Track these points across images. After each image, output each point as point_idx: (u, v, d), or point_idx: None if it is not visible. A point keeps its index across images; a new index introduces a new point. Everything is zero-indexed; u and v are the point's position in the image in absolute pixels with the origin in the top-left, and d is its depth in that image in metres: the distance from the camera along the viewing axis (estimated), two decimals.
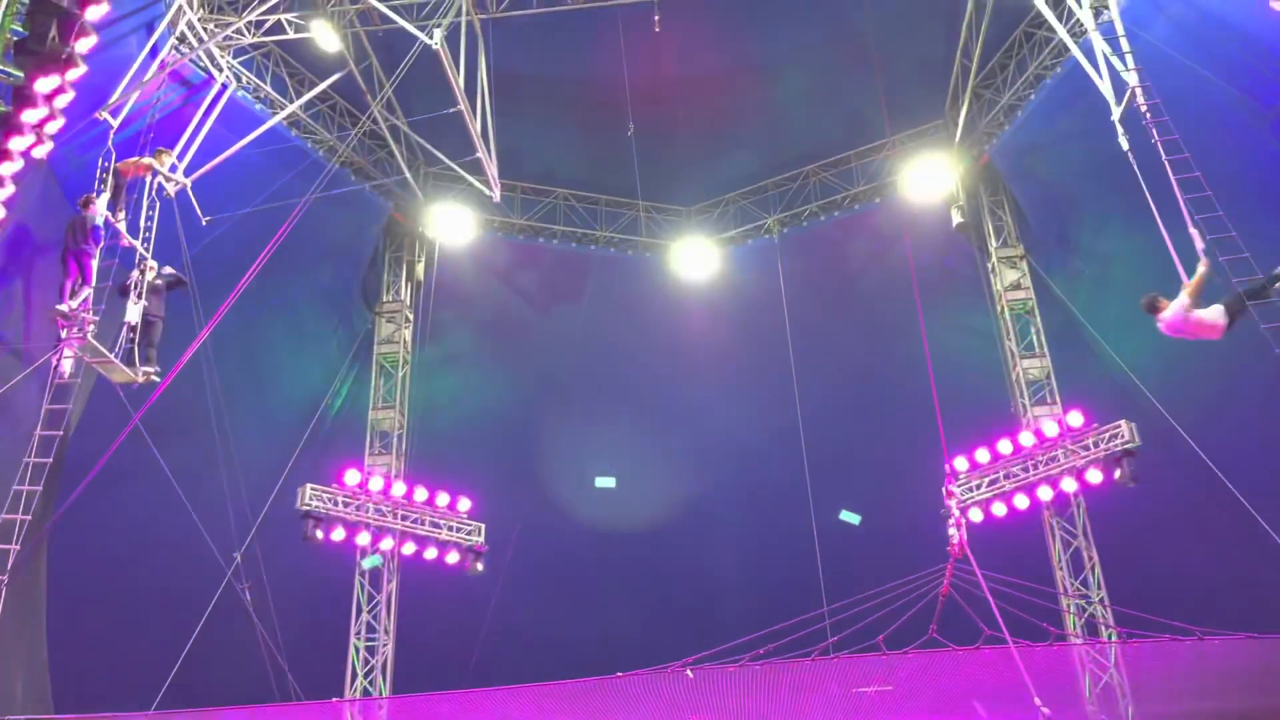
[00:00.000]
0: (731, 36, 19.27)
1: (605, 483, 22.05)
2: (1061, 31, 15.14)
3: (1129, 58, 13.20)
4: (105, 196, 13.06)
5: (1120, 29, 13.69)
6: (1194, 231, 10.95)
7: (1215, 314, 10.36)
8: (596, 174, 21.77)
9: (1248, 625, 14.44)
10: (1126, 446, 16.41)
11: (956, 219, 19.73)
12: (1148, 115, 12.13)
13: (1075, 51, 14.59)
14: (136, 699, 15.68)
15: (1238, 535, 16.44)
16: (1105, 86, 13.48)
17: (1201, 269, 10.43)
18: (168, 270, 14.01)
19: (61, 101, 12.33)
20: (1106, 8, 14.35)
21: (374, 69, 18.32)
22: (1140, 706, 15.61)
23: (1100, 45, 13.65)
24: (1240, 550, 16.95)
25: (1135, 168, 11.99)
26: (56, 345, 12.53)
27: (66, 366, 12.63)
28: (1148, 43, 14.64)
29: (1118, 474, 16.56)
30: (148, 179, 14.07)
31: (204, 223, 15.26)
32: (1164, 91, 12.83)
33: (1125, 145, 12.55)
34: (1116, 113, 13.10)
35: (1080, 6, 14.65)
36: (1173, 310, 10.32)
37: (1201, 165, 12.18)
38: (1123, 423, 16.52)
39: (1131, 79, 12.90)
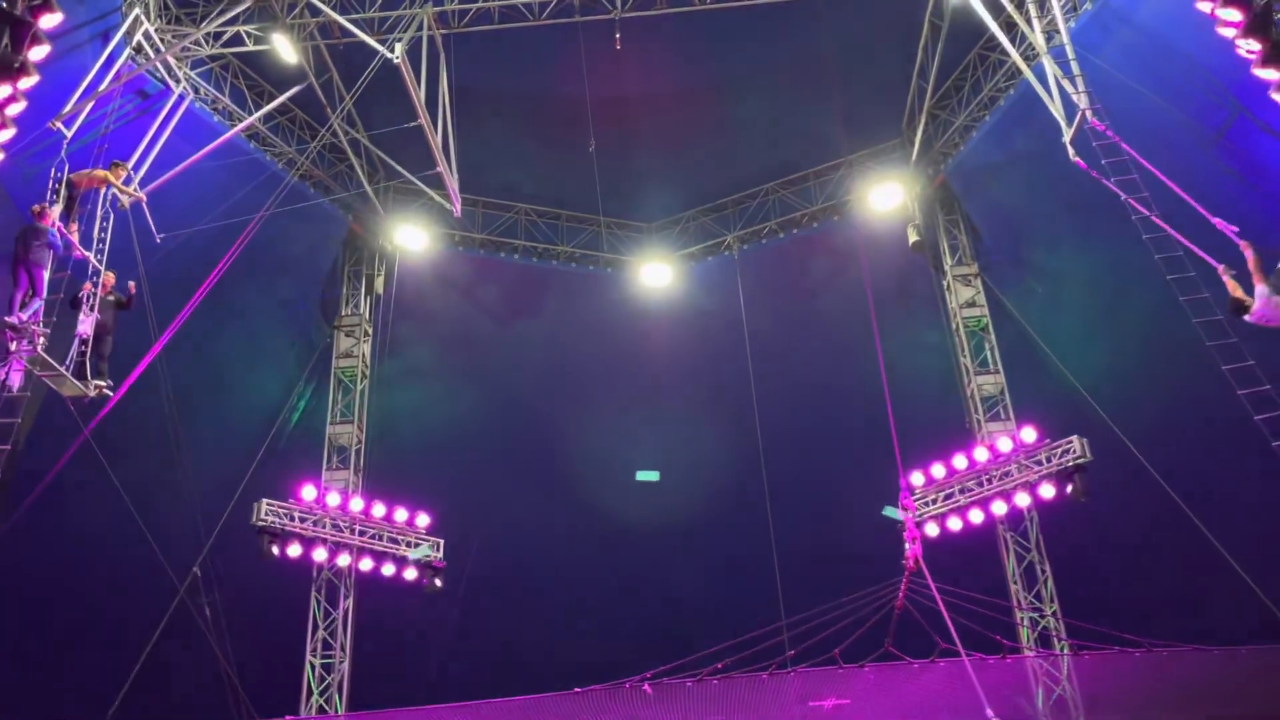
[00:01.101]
0: (692, 55, 19.42)
1: (648, 476, 22.06)
2: (1015, 54, 15.44)
3: (1080, 80, 13.52)
4: (58, 207, 12.85)
5: (1071, 53, 14.01)
6: (1218, 222, 10.79)
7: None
8: (557, 190, 21.83)
9: (1196, 638, 14.73)
10: (1078, 461, 16.69)
11: (913, 237, 20.04)
12: (1091, 139, 12.41)
13: (1028, 74, 14.87)
14: (85, 718, 15.39)
15: (1186, 549, 16.74)
16: (1056, 109, 13.77)
17: (1249, 254, 10.32)
18: (129, 284, 13.77)
19: (13, 110, 12.15)
20: (1058, 32, 14.67)
21: (334, 82, 18.25)
22: (1092, 718, 15.82)
23: (1052, 68, 13.95)
24: (1189, 564, 17.27)
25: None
26: (6, 358, 12.30)
27: (15, 380, 12.40)
28: (1098, 66, 14.97)
29: (1070, 488, 16.84)
30: (102, 191, 13.88)
31: (158, 239, 15.08)
32: (1113, 114, 13.17)
33: (1072, 154, 12.82)
34: (1068, 135, 13.39)
35: (1033, 30, 14.97)
36: (1259, 300, 10.11)
37: (1149, 186, 12.49)
38: (1074, 438, 16.81)
39: (1082, 102, 13.20)
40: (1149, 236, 12.54)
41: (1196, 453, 17.59)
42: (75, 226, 13.21)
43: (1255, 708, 13.97)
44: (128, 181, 14.36)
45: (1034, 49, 14.97)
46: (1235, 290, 10.28)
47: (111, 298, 13.42)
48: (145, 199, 14.76)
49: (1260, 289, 10.13)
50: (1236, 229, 10.74)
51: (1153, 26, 15.20)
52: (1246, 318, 10.36)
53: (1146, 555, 18.97)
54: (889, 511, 18.81)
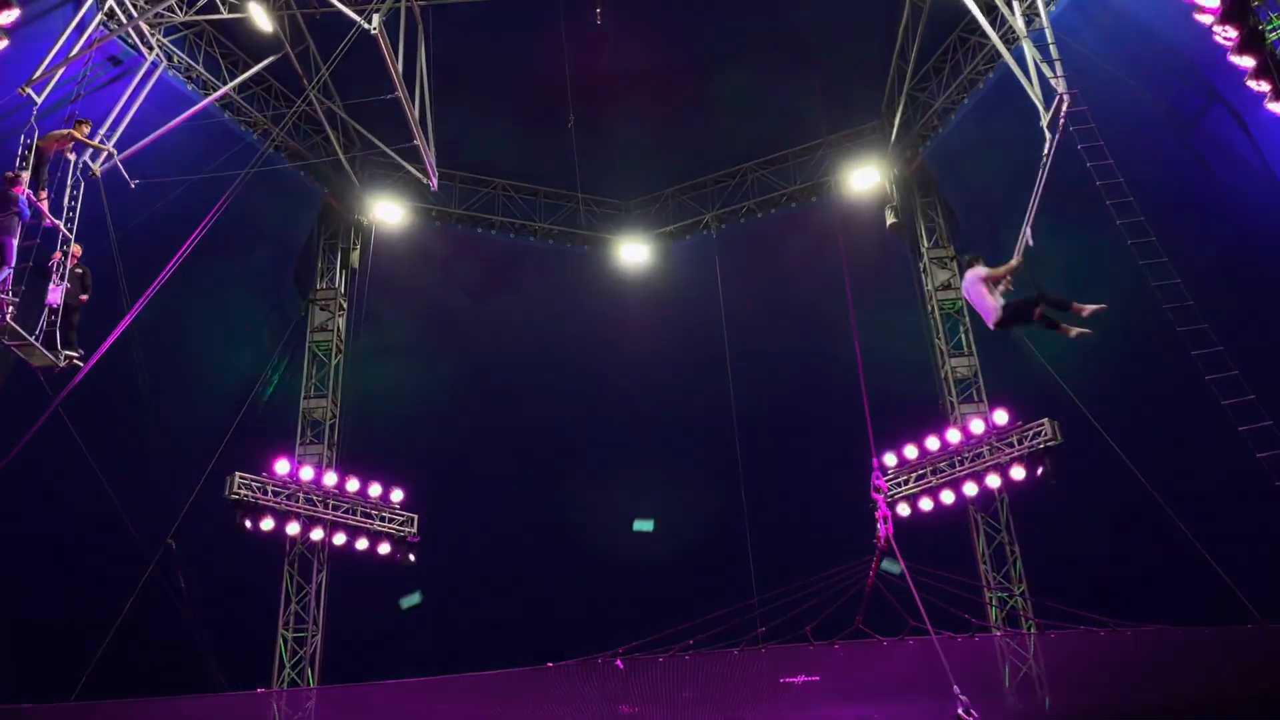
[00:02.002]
0: (672, 32, 19.33)
1: (643, 526, 22.19)
2: (994, 38, 15.45)
3: (1058, 65, 13.56)
4: (28, 174, 12.68)
5: (1051, 37, 14.04)
6: (1027, 230, 11.78)
7: (995, 301, 11.13)
8: (536, 165, 21.72)
9: (1162, 619, 14.98)
10: (1049, 444, 16.90)
11: (890, 219, 20.13)
12: (1067, 123, 12.50)
13: (1007, 57, 14.89)
14: (57, 689, 15.32)
15: (1154, 532, 16.98)
16: (1035, 93, 13.81)
17: (1014, 262, 11.50)
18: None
19: None
20: (1038, 15, 14.69)
21: (310, 52, 18.01)
22: (1057, 696, 16.07)
23: (1031, 52, 13.98)
24: (1156, 546, 17.52)
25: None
26: None
27: None
28: (1077, 51, 15.02)
29: (1040, 470, 17.03)
30: (71, 157, 13.68)
31: (133, 185, 14.88)
32: (1090, 98, 13.20)
33: (1049, 138, 12.92)
34: (1045, 119, 13.44)
35: (1013, 14, 14.99)
36: (972, 273, 11.19)
37: (1124, 171, 12.57)
38: (1045, 421, 17.00)
39: (1060, 86, 13.24)
40: (1123, 221, 12.63)
41: (1165, 437, 17.80)
42: (44, 194, 13.04)
43: (1216, 686, 14.25)
44: (92, 137, 14.17)
45: (1014, 32, 15.00)
46: (1003, 270, 11.32)
47: (80, 270, 13.27)
48: (116, 153, 14.58)
49: (982, 273, 11.25)
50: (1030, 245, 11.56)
51: (1131, 12, 15.27)
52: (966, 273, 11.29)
53: (1115, 537, 19.22)
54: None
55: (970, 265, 11.47)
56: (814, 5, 18.08)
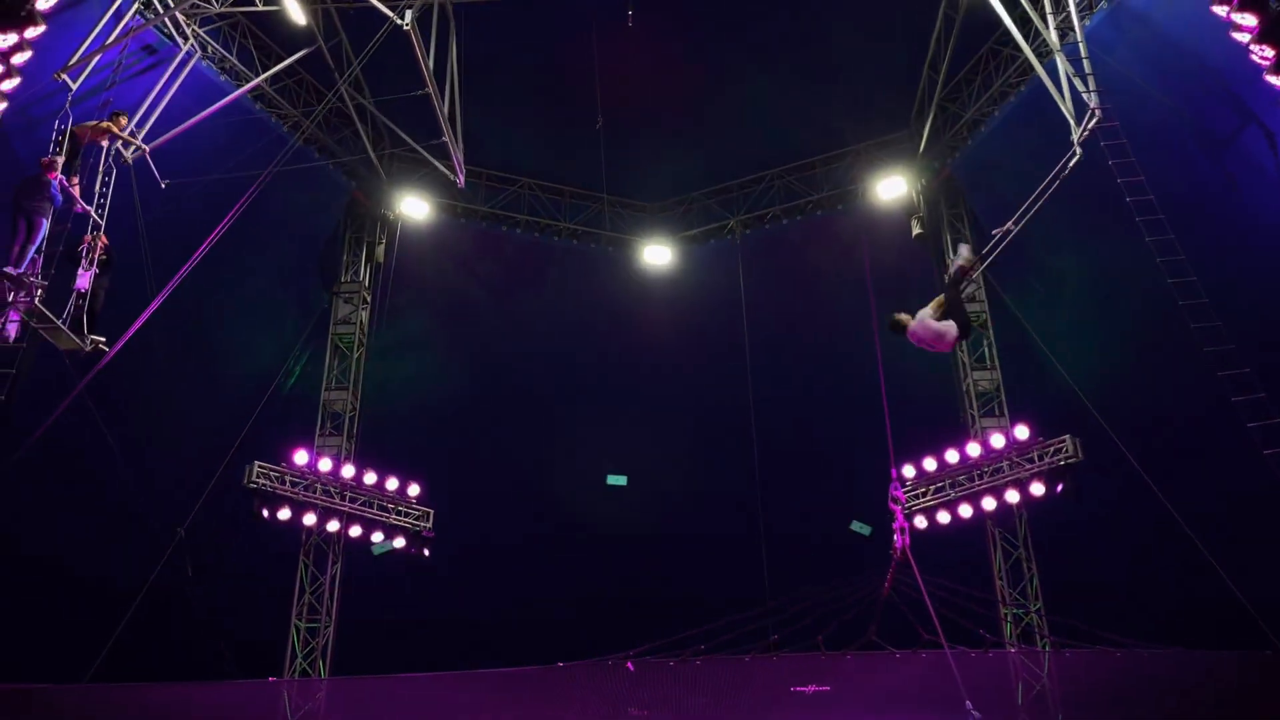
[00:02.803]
0: (703, 35, 19.32)
1: (617, 480, 22.14)
2: (1027, 50, 15.35)
3: (1091, 79, 13.47)
4: (62, 159, 12.81)
5: (1084, 51, 13.96)
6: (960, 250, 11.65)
7: (945, 324, 10.73)
8: (562, 165, 21.75)
9: (1179, 641, 14.83)
10: (1070, 461, 16.75)
11: (916, 229, 20.02)
12: (1098, 137, 12.41)
13: (1040, 71, 14.80)
14: (70, 672, 15.44)
15: (1175, 553, 16.80)
16: (1067, 107, 13.72)
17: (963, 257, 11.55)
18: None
19: (19, 59, 12.11)
20: (1072, 29, 14.60)
21: (343, 46, 18.11)
22: (1071, 716, 15.93)
23: (1064, 66, 13.90)
24: (1177, 568, 17.34)
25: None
26: (2, 309, 12.27)
27: (12, 331, 12.38)
28: (1110, 66, 14.92)
29: (1060, 488, 16.89)
30: (104, 144, 13.82)
31: (163, 186, 15.01)
32: (1123, 114, 13.12)
33: (1079, 154, 12.85)
34: (1076, 134, 13.35)
35: (1047, 27, 14.90)
36: (918, 320, 10.73)
37: (1154, 188, 12.47)
38: (1067, 438, 16.85)
39: (1092, 101, 13.15)
40: (1152, 239, 12.52)
41: (1189, 457, 17.64)
42: (77, 180, 13.17)
43: (1234, 713, 14.08)
44: (130, 134, 14.32)
45: (1047, 45, 14.90)
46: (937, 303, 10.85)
47: (105, 256, 13.40)
48: (147, 150, 14.70)
49: (926, 313, 10.68)
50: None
51: (1167, 28, 15.13)
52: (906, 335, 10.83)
53: (1134, 557, 19.04)
54: (857, 526, 19.02)
55: (899, 325, 10.91)
56: (845, 13, 18.03)
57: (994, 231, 11.70)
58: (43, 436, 13.39)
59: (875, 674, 14.42)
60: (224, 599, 18.24)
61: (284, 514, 17.69)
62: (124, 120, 13.90)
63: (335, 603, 18.19)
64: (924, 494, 18.01)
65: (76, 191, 13.13)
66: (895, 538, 12.61)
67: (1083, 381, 18.14)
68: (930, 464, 18.07)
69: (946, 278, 11.50)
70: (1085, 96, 13.32)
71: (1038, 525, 17.91)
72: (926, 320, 10.59)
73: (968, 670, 13.04)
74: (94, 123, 13.49)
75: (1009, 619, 17.26)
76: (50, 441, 14.00)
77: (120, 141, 14.33)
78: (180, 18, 16.02)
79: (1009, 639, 16.86)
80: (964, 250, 11.73)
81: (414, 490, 18.97)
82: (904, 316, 10.74)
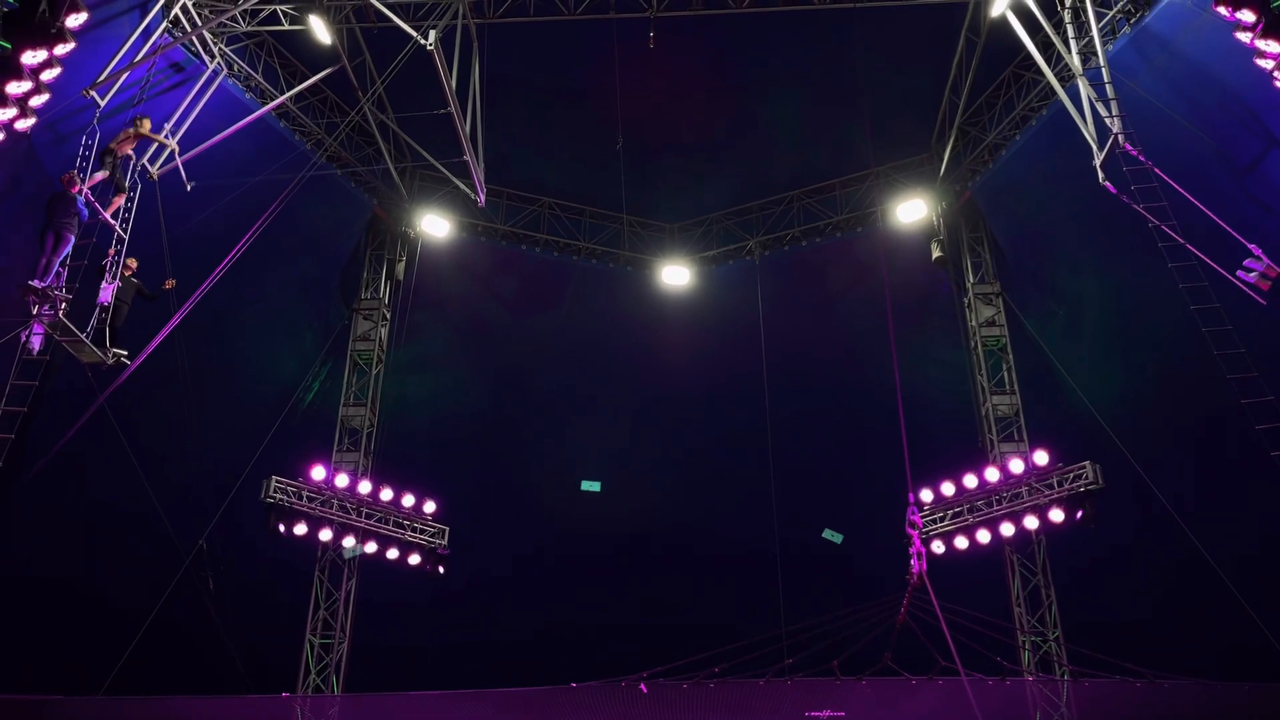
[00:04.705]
0: (724, 58, 19.39)
1: (590, 486, 22.11)
2: (1049, 75, 15.35)
3: (1114, 104, 13.44)
4: (101, 174, 12.93)
5: (1107, 76, 13.93)
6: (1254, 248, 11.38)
7: None
8: (582, 185, 21.83)
9: (1201, 672, 14.63)
10: (1090, 487, 16.59)
11: (936, 253, 19.96)
12: (1122, 164, 12.36)
13: (1062, 96, 14.79)
14: (86, 684, 15.49)
15: (1195, 582, 16.61)
16: (1089, 131, 13.69)
17: None
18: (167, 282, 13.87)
19: (49, 75, 12.27)
20: (1095, 54, 14.58)
21: (367, 65, 18.30)
22: None
23: (1087, 91, 13.87)
24: (1197, 597, 17.14)
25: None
26: (27, 321, 12.39)
27: (36, 343, 12.49)
28: (1132, 91, 14.88)
29: (1080, 514, 16.73)
30: (130, 154, 13.94)
31: (188, 188, 15.09)
32: (1145, 139, 13.08)
33: (1101, 178, 12.78)
34: (1099, 158, 13.31)
35: (1070, 52, 14.89)
36: None
37: (1177, 214, 12.41)
38: (1087, 464, 16.70)
39: (1115, 126, 13.12)
40: (1175, 265, 12.45)
41: (1211, 485, 17.46)
42: (120, 199, 13.25)
43: None
44: (155, 131, 14.38)
45: (1069, 70, 14.89)
46: None
47: (135, 280, 13.51)
48: (178, 149, 14.77)
49: None
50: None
51: (1190, 54, 15.07)
52: None
53: (1154, 585, 18.82)
54: (828, 534, 18.89)
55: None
56: (867, 36, 18.06)
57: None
58: (64, 448, 13.51)
59: (891, 700, 14.27)
60: (239, 613, 18.24)
61: (300, 529, 17.73)
62: (147, 123, 13.94)
63: (350, 619, 18.18)
64: (941, 519, 17.87)
65: (118, 204, 13.25)
66: (912, 562, 12.47)
67: (1103, 407, 18.01)
68: (948, 488, 17.93)
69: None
70: (1108, 121, 13.30)
71: (1056, 552, 17.73)
72: None
73: (985, 698, 12.88)
74: (122, 134, 13.61)
75: (1027, 647, 17.07)
76: (71, 454, 14.11)
77: (148, 154, 14.45)
78: (208, 36, 16.23)
79: (1027, 667, 16.66)
80: None
81: (430, 507, 18.98)
82: None
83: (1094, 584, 18.60)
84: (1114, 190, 12.89)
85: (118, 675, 15.44)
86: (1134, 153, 12.83)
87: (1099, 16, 15.07)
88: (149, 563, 17.44)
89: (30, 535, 17.20)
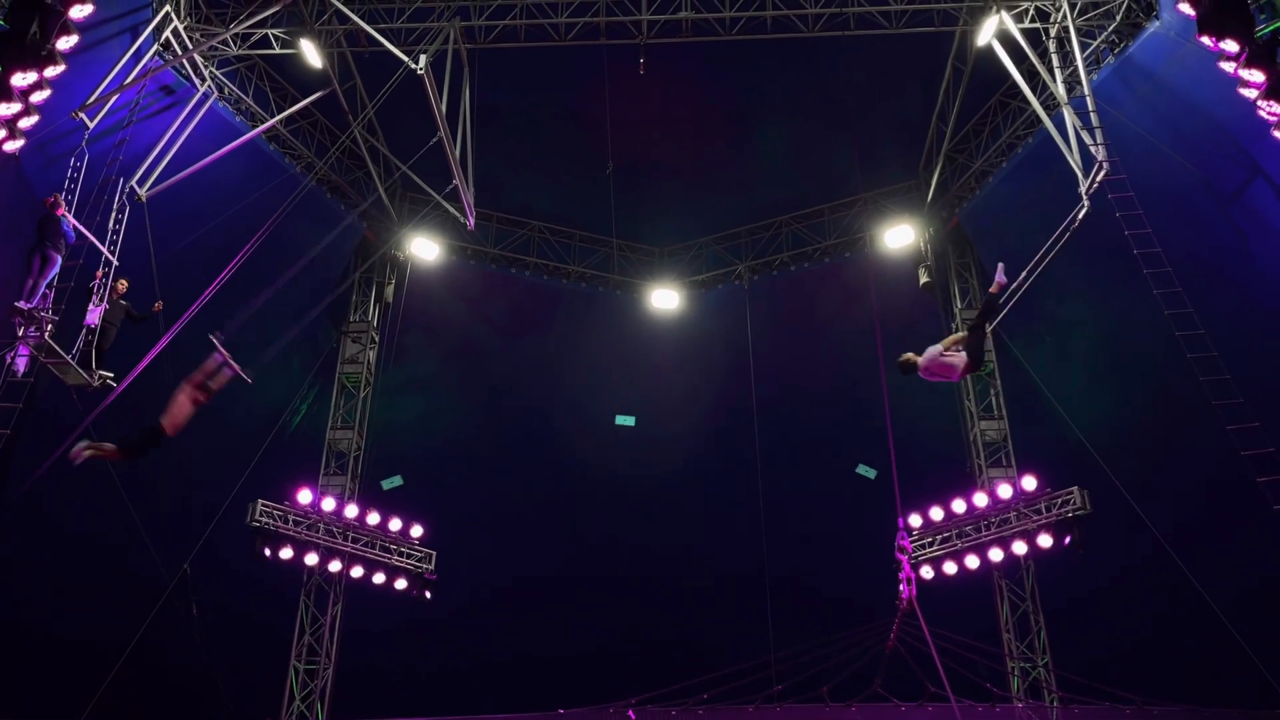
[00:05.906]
0: (714, 84, 19.51)
1: (625, 420, 22.01)
2: (1035, 103, 15.49)
3: (1099, 132, 13.58)
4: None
5: (1092, 104, 14.10)
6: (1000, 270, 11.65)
7: (960, 356, 10.98)
8: (572, 209, 21.88)
9: (1191, 698, 14.61)
10: (1078, 512, 16.64)
11: (923, 278, 20.06)
12: (1107, 192, 12.48)
13: (1047, 123, 14.93)
14: (68, 710, 15.30)
15: (1183, 608, 16.62)
16: (1074, 159, 13.82)
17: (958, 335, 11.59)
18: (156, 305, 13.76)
19: (38, 97, 12.26)
20: (1080, 83, 14.74)
21: (358, 89, 18.35)
22: None
23: (1071, 119, 14.01)
24: (1185, 623, 17.14)
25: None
26: (13, 343, 12.33)
27: (21, 365, 12.43)
28: (1117, 119, 15.04)
29: (1068, 539, 16.76)
30: (118, 185, 13.93)
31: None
32: (1130, 168, 13.22)
33: (1086, 206, 12.92)
34: (1084, 186, 13.43)
35: (1055, 80, 15.05)
36: (925, 357, 10.92)
37: (1161, 241, 12.51)
38: (1075, 489, 16.75)
39: (1100, 154, 13.25)
40: (1160, 291, 12.54)
41: (1198, 511, 17.50)
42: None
43: None
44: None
45: (1055, 98, 15.04)
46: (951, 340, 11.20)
47: (124, 302, 13.47)
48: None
49: (932, 349, 10.94)
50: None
51: (1174, 83, 15.25)
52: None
53: (1143, 611, 18.81)
54: (862, 470, 18.66)
55: (909, 365, 11.09)
56: (856, 63, 18.19)
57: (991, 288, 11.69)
58: (47, 472, 13.37)
59: None
60: (223, 639, 18.05)
61: (286, 553, 17.61)
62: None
63: (335, 645, 18.02)
64: (930, 544, 17.86)
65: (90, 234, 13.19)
66: (901, 588, 12.46)
67: (1090, 433, 18.07)
68: (937, 513, 17.94)
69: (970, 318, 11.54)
70: (1093, 149, 13.43)
71: (1045, 578, 17.73)
72: (937, 356, 10.80)
73: None
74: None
75: (1016, 673, 17.03)
76: (53, 477, 13.97)
77: (136, 176, 14.41)
78: (198, 59, 16.27)
79: (1016, 693, 16.62)
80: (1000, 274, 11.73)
81: (417, 531, 18.87)
82: (911, 356, 10.94)
83: (1083, 610, 18.58)
84: (1097, 216, 12.99)
85: (97, 704, 15.25)
86: (1113, 185, 12.96)
87: (1084, 46, 15.24)
88: (132, 588, 17.25)
89: (10, 561, 16.99)
